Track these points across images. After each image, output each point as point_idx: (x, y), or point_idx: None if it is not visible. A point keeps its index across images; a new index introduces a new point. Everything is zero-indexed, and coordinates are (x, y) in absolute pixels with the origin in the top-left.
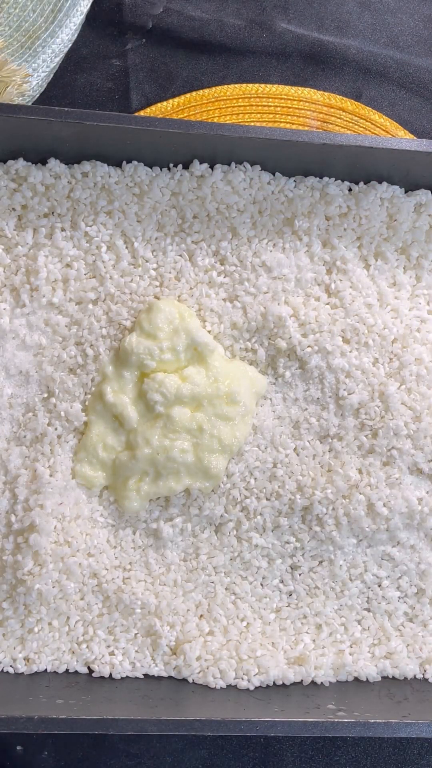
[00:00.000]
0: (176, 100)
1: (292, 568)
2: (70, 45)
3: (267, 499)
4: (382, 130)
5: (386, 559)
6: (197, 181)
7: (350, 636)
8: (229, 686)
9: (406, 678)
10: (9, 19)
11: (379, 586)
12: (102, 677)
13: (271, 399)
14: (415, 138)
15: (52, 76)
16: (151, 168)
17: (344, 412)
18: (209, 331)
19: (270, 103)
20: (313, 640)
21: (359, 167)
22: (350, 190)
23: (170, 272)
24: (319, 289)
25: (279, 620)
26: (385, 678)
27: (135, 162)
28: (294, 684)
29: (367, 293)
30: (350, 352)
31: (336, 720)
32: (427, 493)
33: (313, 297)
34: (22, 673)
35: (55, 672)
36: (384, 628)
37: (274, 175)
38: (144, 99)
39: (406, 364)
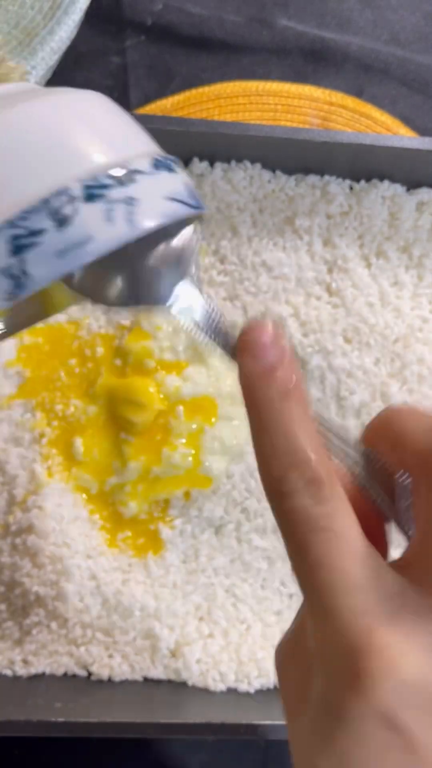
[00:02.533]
0: (175, 97)
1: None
2: (68, 42)
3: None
4: (383, 128)
5: None
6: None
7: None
8: (229, 689)
9: None
10: (7, 17)
11: None
12: (101, 680)
13: None
14: (417, 135)
15: (51, 73)
16: None
17: (345, 413)
18: None
19: (270, 101)
20: None
21: (360, 165)
22: (351, 188)
23: None
24: (320, 288)
25: (280, 623)
26: None
27: None
28: None
29: (368, 292)
30: (351, 352)
31: None
32: None
33: (314, 296)
34: (20, 675)
35: (53, 675)
36: None
37: (274, 173)
38: (143, 96)
39: (408, 364)
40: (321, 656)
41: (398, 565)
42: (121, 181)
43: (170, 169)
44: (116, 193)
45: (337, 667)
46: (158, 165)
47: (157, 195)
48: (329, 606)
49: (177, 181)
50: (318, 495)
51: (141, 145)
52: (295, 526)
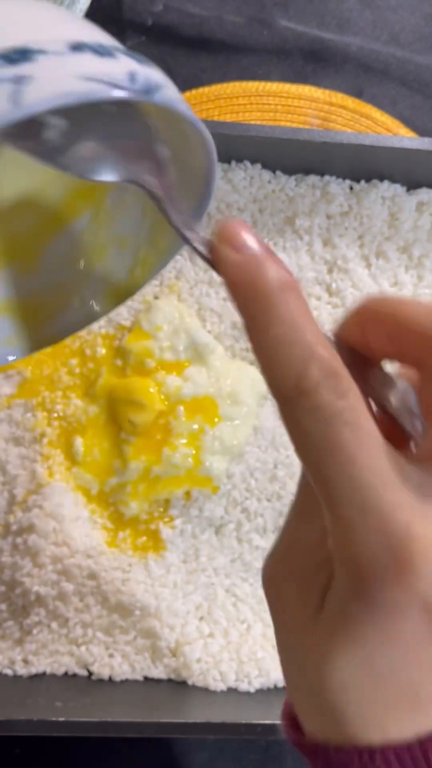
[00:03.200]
0: None
1: None
2: None
3: (268, 500)
4: (383, 129)
5: None
6: None
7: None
8: (229, 689)
9: None
10: None
11: None
12: (101, 680)
13: (272, 399)
14: (416, 136)
15: None
16: None
17: None
18: (209, 331)
19: (270, 101)
20: None
21: (360, 165)
22: (351, 188)
23: (170, 272)
24: (320, 288)
25: None
26: None
27: None
28: None
29: (368, 293)
30: None
31: None
32: None
33: (314, 296)
34: (21, 675)
35: (53, 674)
36: None
37: (274, 173)
38: None
39: None
40: (348, 557)
41: (414, 461)
42: (10, 59)
43: (102, 54)
44: (1, 72)
45: (376, 562)
46: (80, 48)
47: (66, 74)
48: (365, 503)
49: (110, 65)
50: (339, 388)
51: (64, 32)
52: (323, 423)
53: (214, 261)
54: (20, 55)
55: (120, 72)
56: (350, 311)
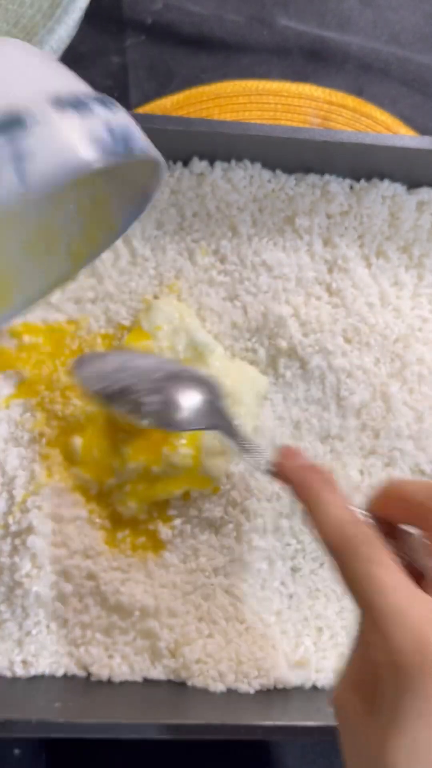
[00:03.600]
0: (175, 96)
1: (292, 570)
2: (68, 41)
3: (267, 501)
4: (383, 128)
5: None
6: (197, 179)
7: (352, 639)
8: (229, 689)
9: None
10: (7, 16)
11: None
12: (100, 681)
13: (271, 399)
14: (417, 135)
15: None
16: None
17: (345, 413)
18: (209, 331)
19: (270, 100)
20: (314, 643)
21: (361, 165)
22: (351, 187)
23: (169, 271)
24: (320, 288)
25: (279, 623)
26: None
27: None
28: (295, 687)
29: (368, 292)
30: (351, 352)
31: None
32: None
33: (314, 296)
34: (20, 676)
35: (53, 675)
36: None
37: (274, 172)
38: (143, 96)
39: (408, 364)
40: (389, 659)
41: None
42: (3, 128)
43: (79, 108)
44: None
45: (410, 661)
46: (61, 105)
47: (60, 146)
48: (398, 617)
49: (91, 122)
50: (371, 543)
51: (42, 82)
52: (363, 564)
53: (278, 471)
54: (11, 124)
55: (100, 130)
56: (374, 493)
